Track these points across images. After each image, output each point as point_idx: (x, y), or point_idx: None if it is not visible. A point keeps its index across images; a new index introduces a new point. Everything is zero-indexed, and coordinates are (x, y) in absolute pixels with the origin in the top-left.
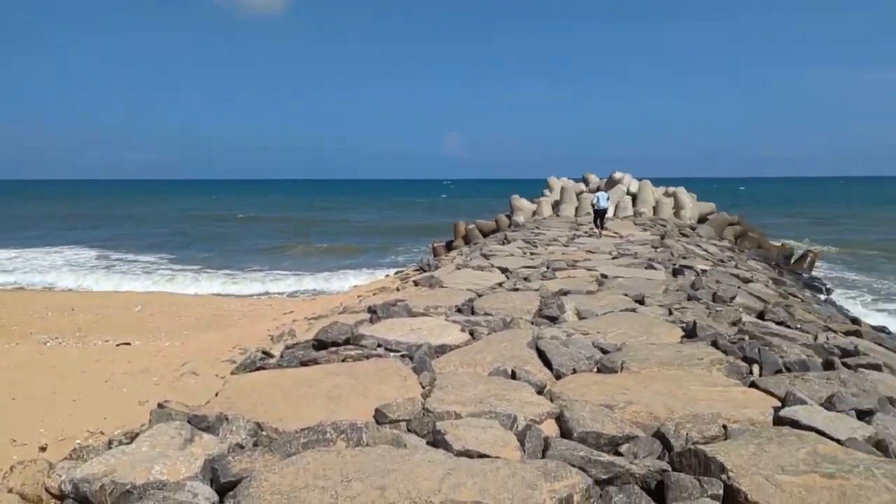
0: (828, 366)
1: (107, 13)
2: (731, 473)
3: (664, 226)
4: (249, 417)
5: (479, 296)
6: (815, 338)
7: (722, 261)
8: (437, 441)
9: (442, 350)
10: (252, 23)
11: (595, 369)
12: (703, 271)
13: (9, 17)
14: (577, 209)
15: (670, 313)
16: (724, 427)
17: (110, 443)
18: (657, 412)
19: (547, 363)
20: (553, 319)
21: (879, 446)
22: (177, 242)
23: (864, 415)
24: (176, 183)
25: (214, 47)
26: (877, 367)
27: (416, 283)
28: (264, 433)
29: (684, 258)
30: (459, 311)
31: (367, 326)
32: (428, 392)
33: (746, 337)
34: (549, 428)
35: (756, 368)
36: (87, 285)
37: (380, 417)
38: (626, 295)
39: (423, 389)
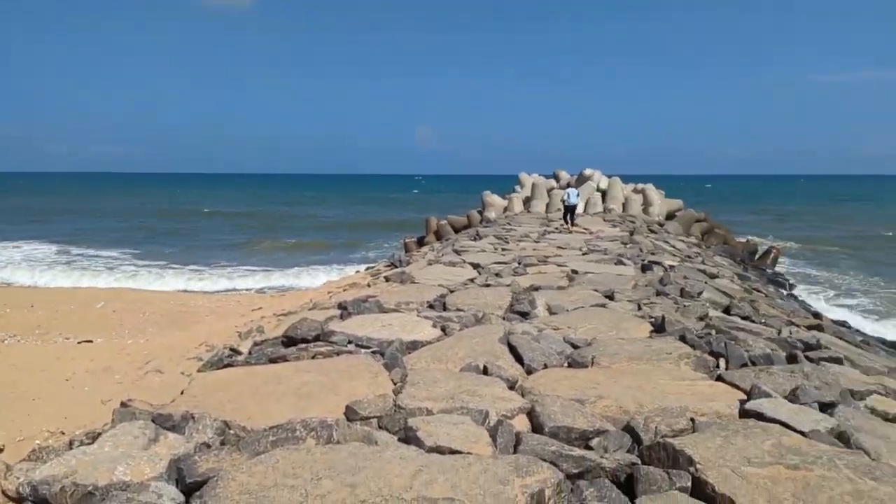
0: (791, 359)
1: (72, 1)
2: (698, 466)
3: (633, 222)
4: (216, 416)
5: (451, 291)
6: (779, 332)
7: (689, 257)
8: (408, 437)
9: (413, 346)
10: (221, 14)
11: (566, 364)
12: (672, 267)
13: None
14: (547, 205)
15: (639, 308)
16: (692, 420)
17: (71, 443)
18: (627, 406)
19: (518, 358)
20: (524, 315)
21: (841, 438)
22: (140, 237)
23: (826, 407)
24: (140, 176)
25: (182, 38)
26: (838, 361)
27: (387, 279)
28: (232, 432)
29: (653, 254)
30: (431, 306)
31: (337, 323)
32: (399, 388)
33: (713, 331)
34: (521, 423)
35: (722, 362)
36: (47, 281)
37: (350, 414)
38: (596, 290)
39: (395, 386)
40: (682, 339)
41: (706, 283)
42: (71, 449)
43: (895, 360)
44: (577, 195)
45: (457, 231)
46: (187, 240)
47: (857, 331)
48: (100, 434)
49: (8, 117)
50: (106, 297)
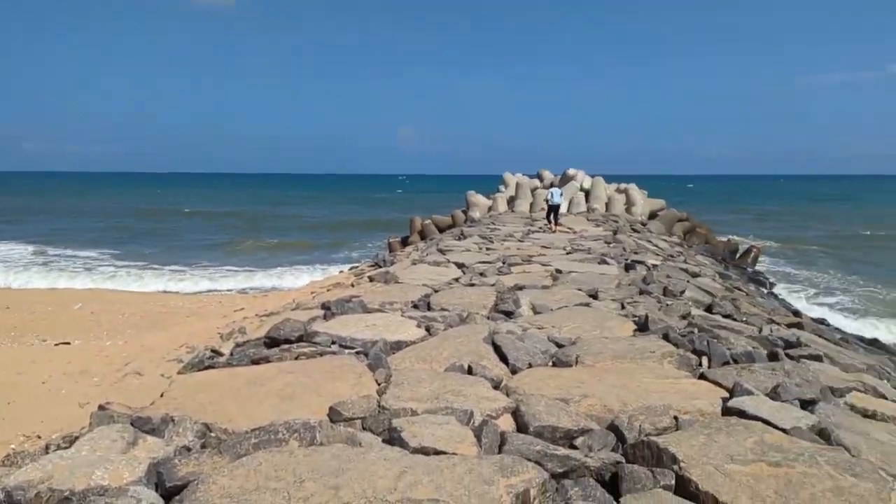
0: (772, 357)
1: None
2: (682, 464)
3: (616, 222)
4: (197, 418)
5: (436, 291)
6: (760, 330)
7: (672, 256)
8: (392, 439)
9: (398, 346)
10: (206, 13)
11: (550, 363)
12: (654, 266)
13: None
14: (531, 205)
15: (623, 307)
16: (676, 418)
17: (47, 447)
18: (611, 405)
19: (503, 358)
20: (509, 314)
21: (822, 434)
22: (119, 237)
23: (807, 404)
24: (120, 176)
25: (164, 36)
26: (818, 358)
27: (371, 279)
28: (213, 434)
29: (636, 253)
30: (415, 306)
31: (320, 323)
32: (383, 389)
33: (696, 330)
34: (506, 423)
35: (705, 360)
36: (22, 283)
37: (334, 416)
38: (580, 290)
39: (379, 386)
40: (666, 337)
41: (688, 281)
42: (47, 453)
43: (873, 358)
44: (561, 195)
45: (441, 231)
46: (167, 240)
47: (836, 329)
48: (77, 438)
49: None
50: (84, 298)
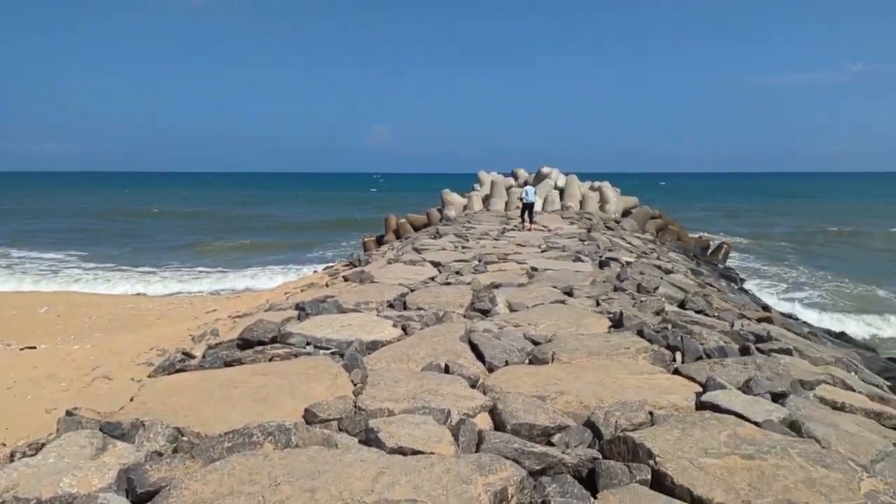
0: (744, 351)
1: None
2: (658, 458)
3: (590, 219)
4: (168, 423)
5: (412, 290)
6: (732, 325)
7: (645, 253)
8: (369, 439)
9: (374, 346)
10: (172, 9)
11: (527, 361)
12: (628, 263)
13: None
14: (506, 203)
15: (598, 304)
16: (651, 413)
17: (13, 455)
18: (587, 401)
19: (480, 356)
20: (485, 312)
21: (793, 427)
22: (86, 239)
23: (778, 397)
24: (85, 175)
25: (130, 33)
26: (788, 352)
27: (346, 279)
28: (185, 439)
29: (610, 251)
30: (391, 306)
31: (295, 324)
32: (360, 390)
33: (669, 326)
34: (483, 421)
35: (679, 356)
36: None
37: (310, 417)
38: (555, 287)
39: (355, 387)
40: (640, 333)
41: (662, 278)
42: (12, 461)
43: (841, 351)
44: (535, 193)
45: (417, 229)
46: (136, 241)
47: (804, 322)
48: (44, 445)
49: None
50: (50, 301)
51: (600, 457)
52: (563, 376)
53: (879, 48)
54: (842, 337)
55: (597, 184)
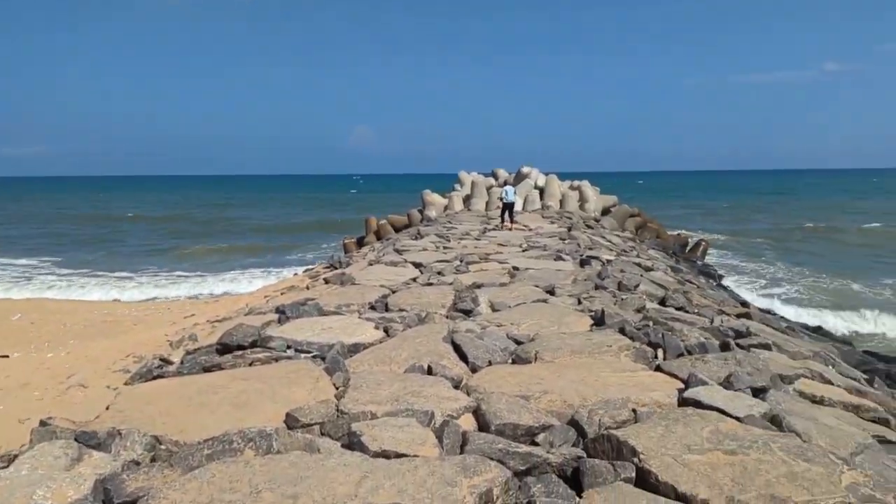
0: (724, 347)
1: None
2: (641, 456)
3: (570, 218)
4: (146, 431)
5: (393, 292)
6: (712, 321)
7: (625, 251)
8: (352, 443)
9: (355, 349)
10: (139, 9)
11: (510, 360)
12: (609, 261)
13: None
14: (487, 203)
15: (579, 303)
16: (634, 411)
17: None
18: (571, 400)
19: (463, 357)
20: (468, 313)
21: (774, 421)
22: (60, 244)
23: (758, 392)
24: (56, 180)
25: (99, 33)
26: (767, 347)
27: (326, 281)
28: (163, 447)
29: (590, 249)
30: (373, 307)
31: (275, 327)
32: (342, 393)
33: (651, 323)
34: (467, 422)
35: (660, 352)
36: None
37: (291, 422)
38: (537, 286)
39: (337, 390)
40: (622, 331)
41: (642, 275)
42: None
43: (818, 345)
44: (515, 193)
45: (397, 230)
46: (111, 246)
47: (782, 318)
48: (16, 456)
49: None
50: (23, 308)
51: (585, 455)
52: (546, 375)
53: (851, 49)
54: (818, 331)
55: (576, 183)
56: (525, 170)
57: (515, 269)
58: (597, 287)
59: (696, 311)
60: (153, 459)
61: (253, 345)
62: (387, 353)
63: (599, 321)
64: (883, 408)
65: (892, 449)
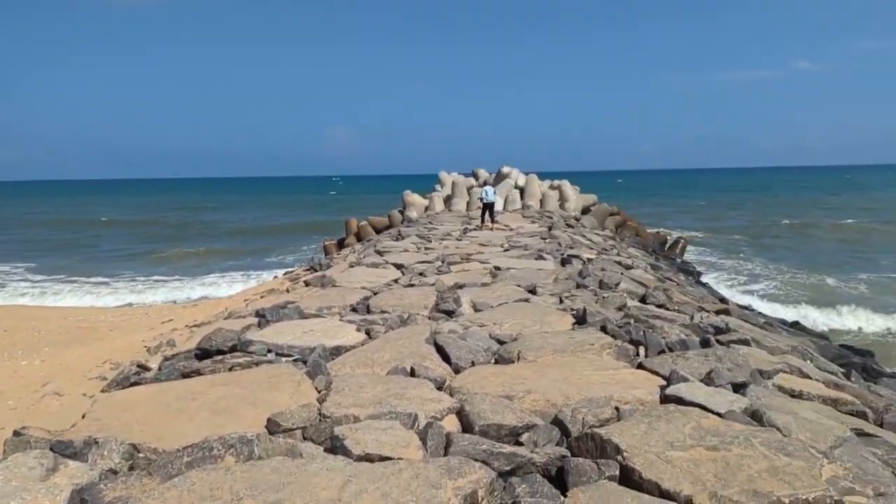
0: (705, 344)
1: None
2: (625, 454)
3: (551, 217)
4: (123, 439)
5: (375, 293)
6: (692, 318)
7: (605, 249)
8: (335, 447)
9: (337, 352)
10: (123, 12)
11: (493, 361)
12: (590, 260)
13: None
14: (468, 203)
15: (561, 301)
16: (617, 409)
17: None
18: (554, 399)
19: (446, 358)
20: (450, 313)
21: (755, 416)
22: (32, 250)
23: (738, 388)
24: (25, 185)
25: (77, 36)
26: (746, 343)
27: (307, 284)
28: (141, 455)
29: (571, 248)
30: (354, 310)
31: (255, 331)
32: (324, 396)
33: (632, 321)
34: (451, 423)
35: (642, 350)
36: None
37: (273, 427)
38: (518, 286)
39: (319, 394)
40: (604, 329)
41: (622, 274)
42: None
43: (796, 339)
44: (495, 193)
45: (378, 232)
46: (86, 251)
47: (760, 313)
48: None
49: None
50: None
51: (569, 454)
52: (529, 375)
53: (823, 48)
54: (796, 326)
55: (556, 182)
56: (505, 170)
57: (497, 268)
58: (578, 286)
59: (676, 308)
60: (131, 468)
61: (233, 349)
62: (369, 356)
63: (581, 320)
64: (860, 401)
65: (870, 441)
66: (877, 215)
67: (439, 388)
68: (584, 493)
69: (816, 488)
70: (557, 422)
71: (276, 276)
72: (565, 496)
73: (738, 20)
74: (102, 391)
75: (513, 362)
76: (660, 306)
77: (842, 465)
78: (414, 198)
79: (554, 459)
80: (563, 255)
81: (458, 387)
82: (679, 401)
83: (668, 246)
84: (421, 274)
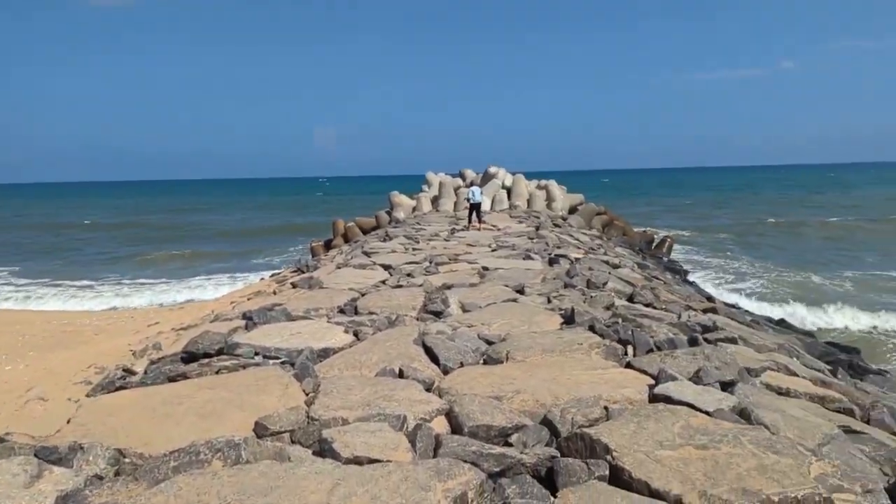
0: (692, 342)
1: None
2: (615, 453)
3: (538, 217)
4: (109, 444)
5: (363, 295)
6: (679, 316)
7: (593, 249)
8: (324, 450)
9: (325, 354)
10: (102, 10)
11: (482, 361)
12: (577, 259)
13: None
14: (455, 204)
15: (549, 301)
16: (606, 408)
17: None
18: (543, 399)
19: (434, 359)
20: (438, 314)
21: (743, 414)
22: (15, 254)
23: (727, 386)
24: (4, 188)
25: (57, 35)
26: (733, 341)
27: (294, 286)
28: (127, 460)
29: (559, 248)
30: (342, 311)
31: (242, 334)
32: (312, 399)
33: (620, 320)
34: (440, 425)
35: (630, 349)
36: None
37: (260, 431)
38: (506, 286)
39: (307, 397)
40: (592, 329)
41: (610, 273)
42: None
43: (782, 337)
44: (481, 193)
45: (365, 233)
46: (69, 255)
47: (746, 311)
48: None
49: None
50: None
51: (558, 455)
52: (518, 375)
53: (807, 47)
54: (782, 324)
55: (543, 182)
56: (492, 170)
57: (485, 269)
58: (566, 285)
59: (663, 307)
60: (117, 473)
61: (219, 352)
62: (357, 358)
63: (569, 319)
64: (847, 398)
65: (858, 438)
66: (861, 213)
67: (428, 390)
68: (574, 494)
69: (805, 486)
70: (547, 422)
71: (262, 278)
72: (555, 497)
73: (724, 21)
74: (87, 396)
75: (501, 363)
76: (647, 305)
77: (830, 462)
78: (401, 198)
79: (543, 460)
80: (550, 254)
81: (447, 388)
82: (668, 400)
83: (654, 245)
84: (409, 275)
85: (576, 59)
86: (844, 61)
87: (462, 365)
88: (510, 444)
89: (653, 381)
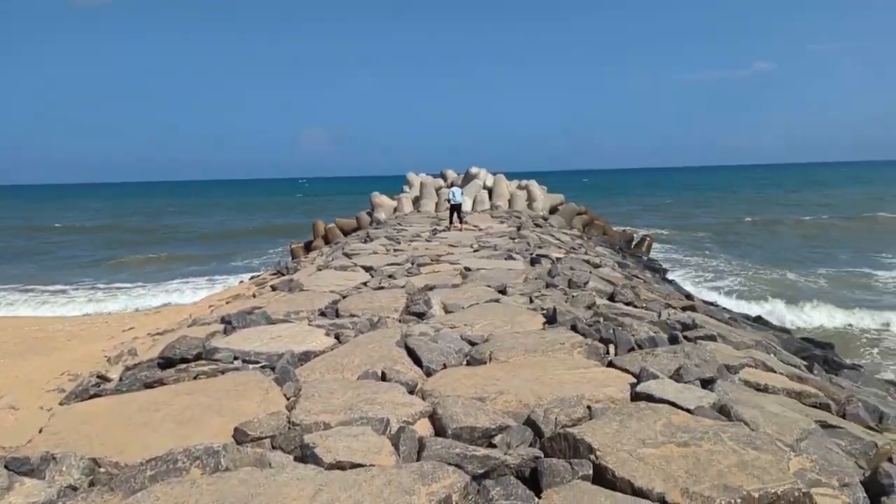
0: (673, 340)
1: None
2: (598, 453)
3: (519, 217)
4: (83, 453)
5: (344, 297)
6: (659, 315)
7: (574, 248)
8: (305, 456)
9: (306, 357)
10: (81, 10)
11: (465, 362)
12: (558, 259)
13: None
14: (437, 204)
15: (531, 301)
16: (589, 408)
17: None
18: (526, 399)
19: (417, 361)
20: (421, 315)
21: (723, 411)
22: None
23: (707, 383)
24: None
25: (35, 35)
26: (712, 338)
27: (273, 288)
28: (102, 470)
29: (540, 248)
30: (323, 314)
31: (220, 338)
32: (293, 404)
33: (601, 319)
34: (424, 427)
35: (612, 348)
36: None
37: (240, 437)
38: (489, 286)
39: (288, 401)
40: (574, 328)
41: (591, 272)
42: None
43: (760, 334)
44: (462, 193)
45: (346, 234)
46: (40, 259)
47: (725, 309)
48: None
49: None
50: None
51: (542, 455)
52: (501, 376)
53: (781, 49)
54: (758, 321)
55: (524, 182)
56: (474, 170)
57: (467, 269)
58: (548, 285)
59: (644, 305)
60: (92, 484)
61: (197, 357)
62: (339, 361)
63: (551, 319)
64: (823, 393)
65: (834, 433)
66: (834, 211)
67: (411, 392)
68: (558, 494)
69: (785, 482)
70: (530, 422)
71: (241, 281)
72: (539, 497)
73: (702, 21)
74: (60, 404)
75: (485, 363)
76: (628, 304)
77: (808, 457)
78: (382, 199)
79: (527, 461)
80: (532, 254)
81: (430, 390)
82: (649, 398)
83: (634, 244)
84: (390, 276)
85: (555, 59)
86: (820, 63)
87: (445, 366)
88: (494, 446)
89: (634, 380)
